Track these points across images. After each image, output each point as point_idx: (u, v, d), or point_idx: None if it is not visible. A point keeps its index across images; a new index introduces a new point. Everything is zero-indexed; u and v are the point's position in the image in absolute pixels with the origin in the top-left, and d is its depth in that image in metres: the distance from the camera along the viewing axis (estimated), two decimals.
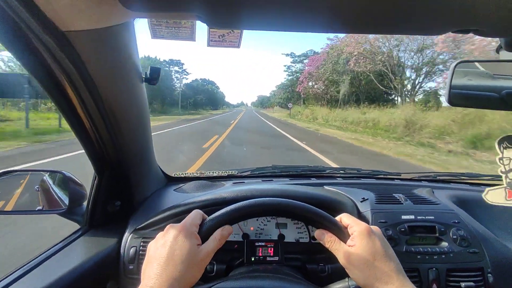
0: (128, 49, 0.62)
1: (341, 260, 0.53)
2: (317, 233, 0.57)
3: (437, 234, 0.83)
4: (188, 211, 0.79)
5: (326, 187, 1.06)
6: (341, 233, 0.55)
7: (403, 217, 0.85)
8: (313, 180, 1.17)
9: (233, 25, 0.45)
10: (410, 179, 1.25)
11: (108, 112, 0.66)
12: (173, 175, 1.17)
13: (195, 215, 0.55)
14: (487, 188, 0.56)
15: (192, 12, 0.39)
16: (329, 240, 0.55)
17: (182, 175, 1.19)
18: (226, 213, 0.55)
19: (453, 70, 0.54)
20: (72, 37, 0.47)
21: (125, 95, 0.70)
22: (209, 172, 1.23)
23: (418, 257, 0.79)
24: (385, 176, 1.27)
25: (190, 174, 1.21)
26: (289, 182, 1.13)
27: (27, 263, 0.69)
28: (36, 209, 0.97)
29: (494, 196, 0.56)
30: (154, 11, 0.42)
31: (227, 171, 1.24)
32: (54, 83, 0.56)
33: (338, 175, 1.27)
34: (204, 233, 0.53)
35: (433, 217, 0.85)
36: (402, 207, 0.90)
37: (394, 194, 0.97)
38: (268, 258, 0.82)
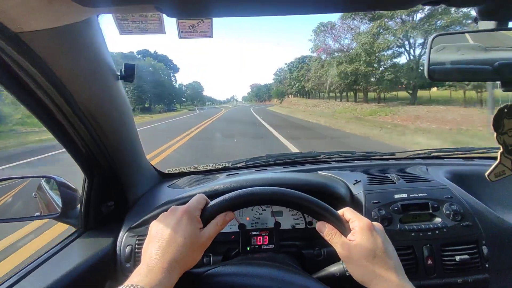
0: (95, 46, 0.61)
1: (341, 254, 0.53)
2: (319, 225, 0.57)
3: (430, 211, 0.83)
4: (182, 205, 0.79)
5: (320, 172, 1.06)
6: (342, 227, 0.55)
7: (396, 196, 0.85)
8: (307, 166, 1.17)
9: (196, 13, 0.43)
10: (405, 158, 1.25)
11: (86, 115, 0.65)
12: (166, 172, 1.17)
13: (199, 199, 0.55)
14: (488, 170, 0.53)
15: (150, 3, 0.37)
16: (329, 233, 0.55)
17: (176, 171, 1.19)
18: (229, 199, 0.56)
19: (430, 44, 0.53)
20: (27, 38, 0.45)
21: (101, 95, 0.69)
22: (203, 166, 1.23)
23: (412, 234, 0.79)
24: (379, 157, 1.27)
25: (184, 169, 1.21)
26: (283, 170, 1.13)
27: (24, 268, 0.70)
28: (35, 215, 0.98)
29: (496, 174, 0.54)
30: (110, 6, 0.41)
31: (221, 164, 1.23)
32: (22, 89, 0.54)
33: (332, 159, 1.26)
34: (207, 217, 0.54)
35: (425, 194, 0.85)
36: (394, 187, 0.90)
37: (387, 174, 0.97)
38: (263, 247, 0.82)
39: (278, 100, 73.46)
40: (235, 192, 0.57)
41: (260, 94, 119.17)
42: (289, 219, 0.88)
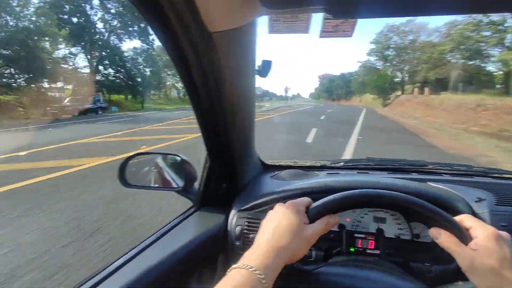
0: (252, 45, 0.66)
1: (462, 264, 0.49)
2: (433, 231, 0.54)
3: None
4: (289, 196, 0.82)
5: (430, 183, 0.97)
6: (462, 235, 0.51)
7: None
8: (414, 175, 1.08)
9: (359, 13, 0.44)
10: None
11: (228, 107, 0.72)
12: (269, 163, 1.24)
13: (305, 199, 0.59)
14: None
15: (320, 5, 0.40)
16: (447, 240, 0.51)
17: (277, 163, 1.25)
18: (336, 200, 0.57)
19: None
20: (216, 37, 0.50)
21: (241, 89, 0.75)
22: (302, 162, 1.26)
23: None
24: (507, 176, 1.09)
25: (284, 162, 1.26)
26: (387, 176, 1.07)
27: (151, 235, 0.83)
28: (156, 185, 1.17)
29: None
30: (286, 7, 0.44)
31: (320, 161, 1.24)
32: (191, 79, 0.63)
33: (444, 171, 1.14)
34: (312, 215, 0.56)
35: None
36: None
37: None
38: (368, 251, 0.80)
39: (378, 98, 38.40)
40: (342, 193, 0.57)
41: (332, 88, 79.44)
42: (392, 228, 0.83)
